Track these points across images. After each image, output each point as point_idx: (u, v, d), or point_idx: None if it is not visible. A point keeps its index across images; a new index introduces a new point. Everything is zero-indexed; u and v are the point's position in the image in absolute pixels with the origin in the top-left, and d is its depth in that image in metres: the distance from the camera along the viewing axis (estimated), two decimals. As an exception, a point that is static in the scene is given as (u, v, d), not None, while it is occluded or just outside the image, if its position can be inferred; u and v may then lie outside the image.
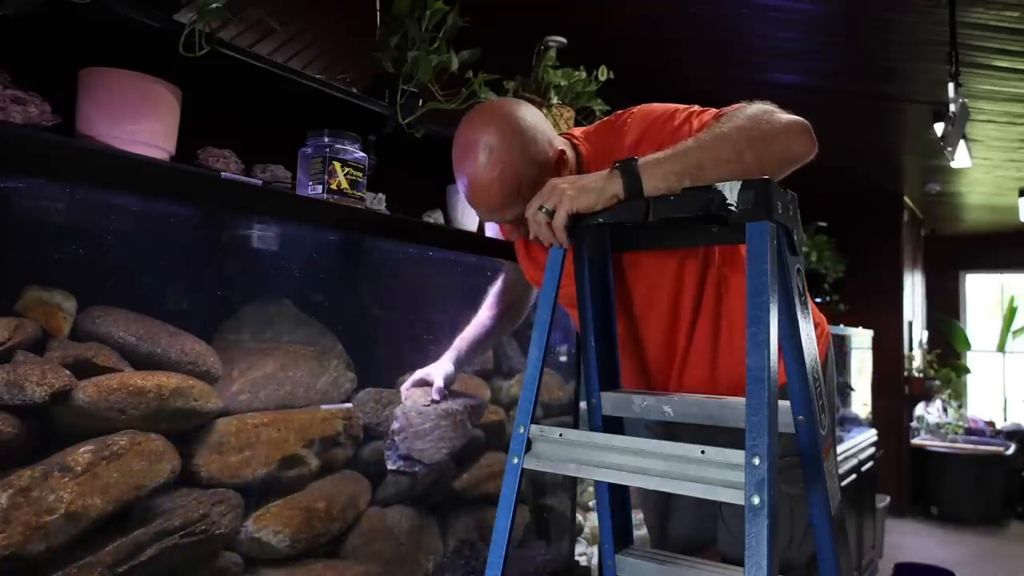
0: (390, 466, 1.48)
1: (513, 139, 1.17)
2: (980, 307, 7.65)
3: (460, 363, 1.62)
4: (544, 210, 1.06)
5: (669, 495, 1.44)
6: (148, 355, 1.18)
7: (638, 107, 1.29)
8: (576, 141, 1.31)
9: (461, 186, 1.21)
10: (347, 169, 1.37)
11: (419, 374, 1.59)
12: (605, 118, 1.36)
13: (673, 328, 1.29)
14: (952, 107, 3.14)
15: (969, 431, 6.49)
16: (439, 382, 1.54)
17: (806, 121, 1.09)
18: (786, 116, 1.08)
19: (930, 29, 3.08)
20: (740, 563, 1.21)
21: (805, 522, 1.22)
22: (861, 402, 5.09)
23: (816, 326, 1.36)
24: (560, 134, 1.31)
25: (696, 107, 1.22)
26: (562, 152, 1.23)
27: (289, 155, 1.46)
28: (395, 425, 1.48)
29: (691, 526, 1.45)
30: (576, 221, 1.06)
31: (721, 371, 1.28)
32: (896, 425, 6.02)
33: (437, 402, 1.53)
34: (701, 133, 1.07)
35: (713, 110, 1.18)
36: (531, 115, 1.22)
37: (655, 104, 1.27)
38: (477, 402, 1.61)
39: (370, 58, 1.74)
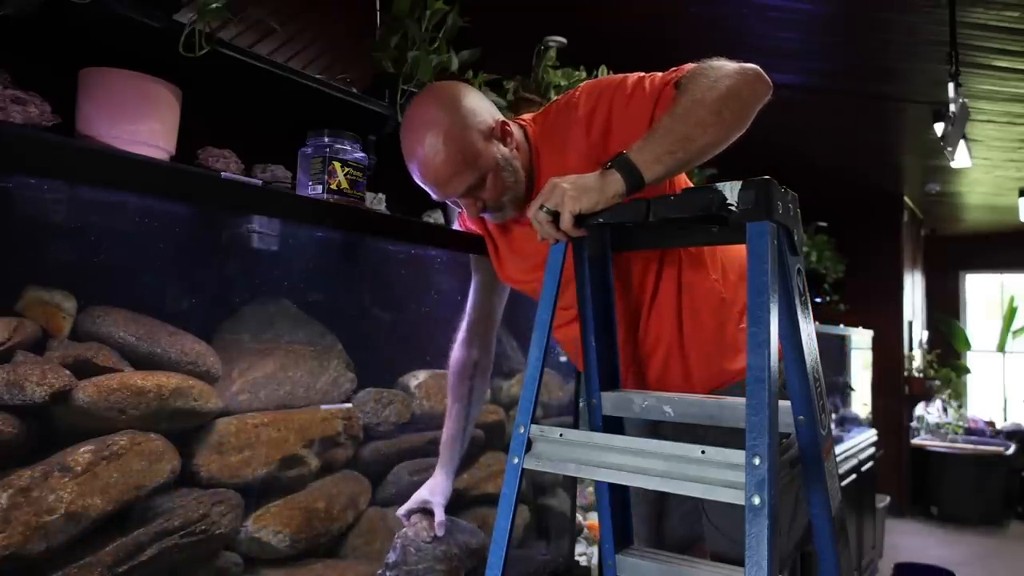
0: None
1: (453, 111, 1.20)
2: (980, 307, 7.64)
3: (454, 470, 1.56)
4: (545, 210, 1.06)
5: (665, 495, 1.44)
6: (148, 355, 1.18)
7: (583, 83, 1.33)
8: (523, 123, 1.35)
9: (411, 166, 1.24)
10: (347, 169, 1.36)
11: (417, 499, 1.50)
12: (552, 100, 1.41)
13: (639, 319, 1.32)
14: (952, 107, 3.14)
15: (969, 431, 6.48)
16: (440, 515, 1.47)
17: (756, 65, 1.14)
18: (736, 64, 1.13)
19: (930, 29, 3.08)
20: (728, 559, 1.22)
21: (789, 512, 1.23)
22: (861, 402, 5.09)
23: None
24: (508, 119, 1.33)
25: (642, 73, 1.25)
26: (505, 124, 1.27)
27: (289, 155, 1.46)
28: (390, 558, 1.43)
29: (685, 525, 1.45)
30: (579, 221, 1.06)
31: (692, 363, 1.31)
32: (896, 425, 6.02)
33: (439, 537, 1.46)
34: (673, 107, 1.09)
35: (659, 74, 1.22)
36: (471, 92, 1.27)
37: (600, 78, 1.31)
38: (477, 543, 1.53)
39: (370, 58, 1.74)
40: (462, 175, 1.21)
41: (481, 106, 1.25)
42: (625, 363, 1.33)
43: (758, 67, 1.14)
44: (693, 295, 1.30)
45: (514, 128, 1.29)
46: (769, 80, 1.14)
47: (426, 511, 1.49)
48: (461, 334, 1.57)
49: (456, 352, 1.57)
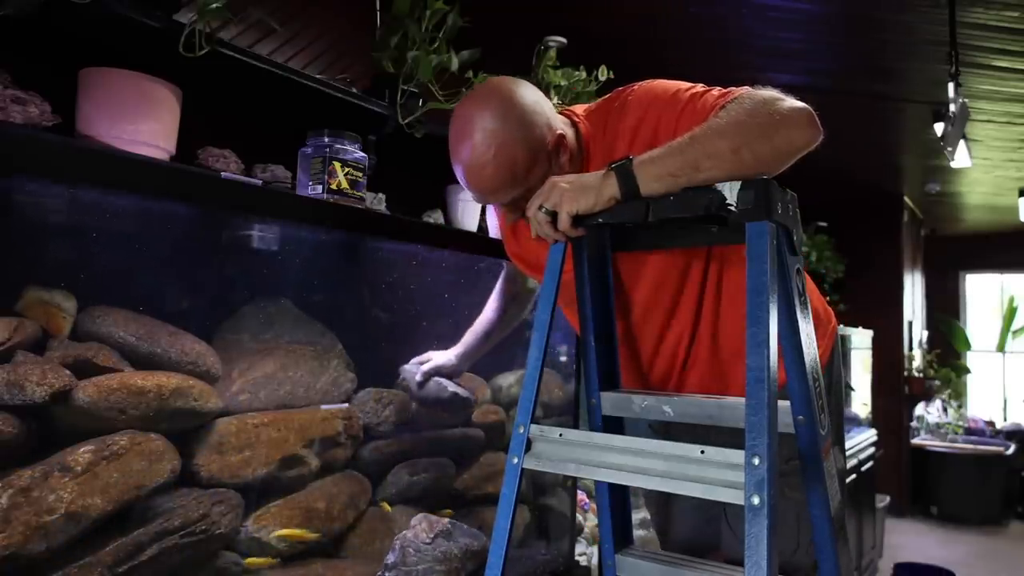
0: None
1: (510, 121, 1.13)
2: (980, 307, 7.64)
3: (467, 356, 1.69)
4: (544, 210, 1.06)
5: (670, 497, 1.43)
6: (148, 355, 1.18)
7: (640, 85, 1.24)
8: (576, 119, 1.26)
9: (456, 167, 1.17)
10: (347, 169, 1.37)
11: (423, 356, 1.68)
12: (607, 95, 1.30)
13: (677, 327, 1.26)
14: (952, 107, 3.13)
15: (969, 431, 6.48)
16: (430, 366, 1.65)
17: (809, 108, 1.04)
18: (788, 104, 1.04)
19: (929, 29, 3.08)
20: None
21: (810, 527, 1.21)
22: (861, 402, 5.09)
23: (827, 323, 1.34)
24: (560, 111, 1.27)
25: (699, 87, 1.17)
26: (561, 136, 1.19)
27: (289, 155, 1.46)
28: (389, 558, 1.42)
29: (695, 528, 1.44)
30: (578, 221, 1.05)
31: (729, 368, 1.26)
32: (896, 425, 6.02)
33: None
34: (698, 129, 1.03)
35: (717, 91, 1.14)
36: (530, 96, 1.17)
37: (657, 82, 1.22)
38: (478, 545, 1.51)
39: (370, 58, 1.74)
40: (507, 190, 1.16)
41: (541, 115, 1.16)
42: (666, 367, 1.29)
43: (809, 111, 1.04)
44: (728, 301, 1.23)
45: (567, 130, 1.21)
46: (819, 126, 1.04)
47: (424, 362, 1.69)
48: (504, 272, 1.70)
49: (501, 279, 1.70)
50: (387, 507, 1.60)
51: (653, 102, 1.18)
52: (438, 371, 1.68)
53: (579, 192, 1.03)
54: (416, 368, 1.67)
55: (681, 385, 1.29)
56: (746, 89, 1.09)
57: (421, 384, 1.67)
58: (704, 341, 1.26)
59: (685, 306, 1.25)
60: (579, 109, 1.30)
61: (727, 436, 1.12)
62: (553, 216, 1.06)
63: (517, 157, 1.13)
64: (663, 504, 1.48)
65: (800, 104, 1.04)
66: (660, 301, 1.25)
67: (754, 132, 1.01)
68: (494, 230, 1.72)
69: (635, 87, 1.23)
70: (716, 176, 1.00)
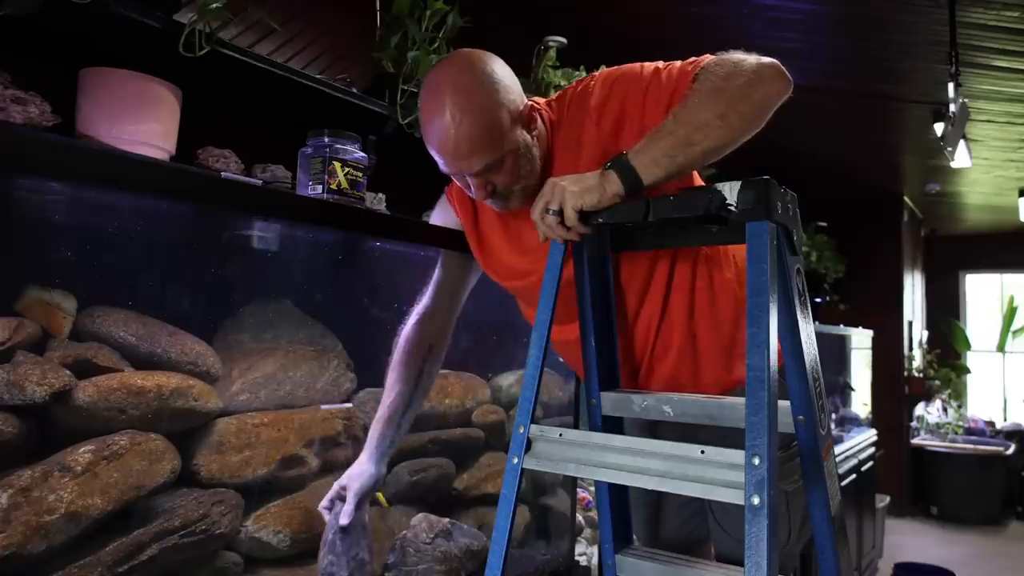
0: None
1: (483, 81, 1.12)
2: (980, 307, 7.64)
3: (383, 453, 1.40)
4: (552, 212, 1.05)
5: (662, 496, 1.44)
6: (148, 355, 1.18)
7: (599, 71, 1.26)
8: (538, 107, 1.26)
9: (428, 132, 1.14)
10: (347, 169, 1.36)
11: (335, 487, 1.37)
12: (568, 86, 1.32)
13: (643, 322, 1.28)
14: (952, 107, 3.14)
15: (969, 431, 6.49)
16: (350, 503, 1.33)
17: (776, 61, 1.08)
18: (757, 61, 1.08)
19: (930, 29, 3.08)
20: (734, 559, 1.22)
21: (800, 514, 1.22)
22: (861, 402, 5.09)
23: None
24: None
25: (660, 63, 1.19)
26: (533, 108, 1.19)
27: (289, 155, 1.46)
28: (389, 558, 1.42)
29: (681, 527, 1.44)
30: (583, 219, 1.05)
31: (703, 367, 1.27)
32: (896, 425, 6.02)
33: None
34: (679, 107, 1.05)
35: (678, 64, 1.16)
36: (501, 66, 1.17)
37: (617, 67, 1.24)
38: (478, 546, 1.50)
39: (370, 58, 1.74)
40: (482, 153, 1.12)
41: (514, 84, 1.16)
42: (633, 364, 1.31)
43: (777, 64, 1.07)
44: (710, 294, 1.26)
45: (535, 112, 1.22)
46: (789, 77, 1.08)
47: (342, 497, 1.36)
48: (417, 313, 1.45)
49: (410, 330, 1.44)
50: (385, 502, 1.59)
51: (618, 80, 1.21)
52: (364, 493, 1.36)
53: (583, 189, 1.03)
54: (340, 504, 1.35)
55: (651, 374, 1.30)
56: (709, 57, 1.12)
57: (345, 531, 1.32)
58: (674, 336, 1.27)
59: (652, 299, 1.26)
60: (540, 100, 1.30)
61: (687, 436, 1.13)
62: (559, 216, 1.05)
63: (492, 117, 1.11)
64: (654, 504, 1.48)
65: (768, 59, 1.09)
66: (632, 290, 1.27)
67: (734, 95, 1.04)
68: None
69: (596, 74, 1.26)
70: (711, 146, 1.03)
